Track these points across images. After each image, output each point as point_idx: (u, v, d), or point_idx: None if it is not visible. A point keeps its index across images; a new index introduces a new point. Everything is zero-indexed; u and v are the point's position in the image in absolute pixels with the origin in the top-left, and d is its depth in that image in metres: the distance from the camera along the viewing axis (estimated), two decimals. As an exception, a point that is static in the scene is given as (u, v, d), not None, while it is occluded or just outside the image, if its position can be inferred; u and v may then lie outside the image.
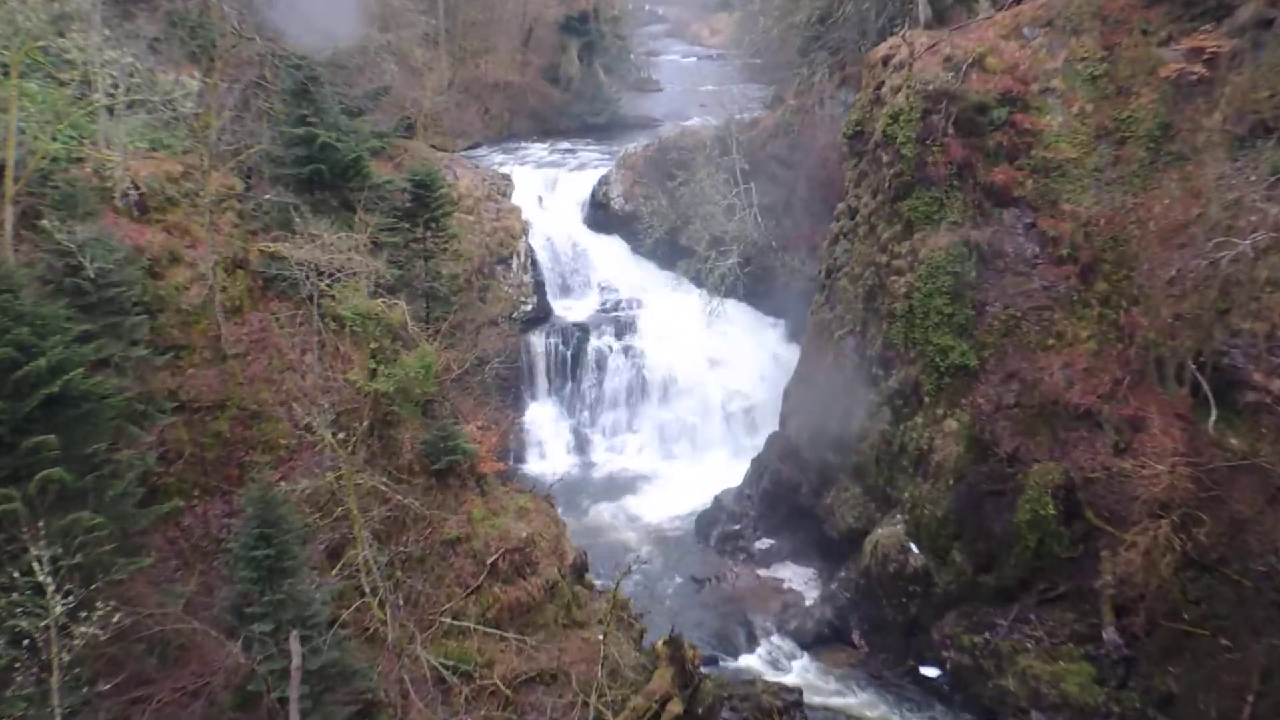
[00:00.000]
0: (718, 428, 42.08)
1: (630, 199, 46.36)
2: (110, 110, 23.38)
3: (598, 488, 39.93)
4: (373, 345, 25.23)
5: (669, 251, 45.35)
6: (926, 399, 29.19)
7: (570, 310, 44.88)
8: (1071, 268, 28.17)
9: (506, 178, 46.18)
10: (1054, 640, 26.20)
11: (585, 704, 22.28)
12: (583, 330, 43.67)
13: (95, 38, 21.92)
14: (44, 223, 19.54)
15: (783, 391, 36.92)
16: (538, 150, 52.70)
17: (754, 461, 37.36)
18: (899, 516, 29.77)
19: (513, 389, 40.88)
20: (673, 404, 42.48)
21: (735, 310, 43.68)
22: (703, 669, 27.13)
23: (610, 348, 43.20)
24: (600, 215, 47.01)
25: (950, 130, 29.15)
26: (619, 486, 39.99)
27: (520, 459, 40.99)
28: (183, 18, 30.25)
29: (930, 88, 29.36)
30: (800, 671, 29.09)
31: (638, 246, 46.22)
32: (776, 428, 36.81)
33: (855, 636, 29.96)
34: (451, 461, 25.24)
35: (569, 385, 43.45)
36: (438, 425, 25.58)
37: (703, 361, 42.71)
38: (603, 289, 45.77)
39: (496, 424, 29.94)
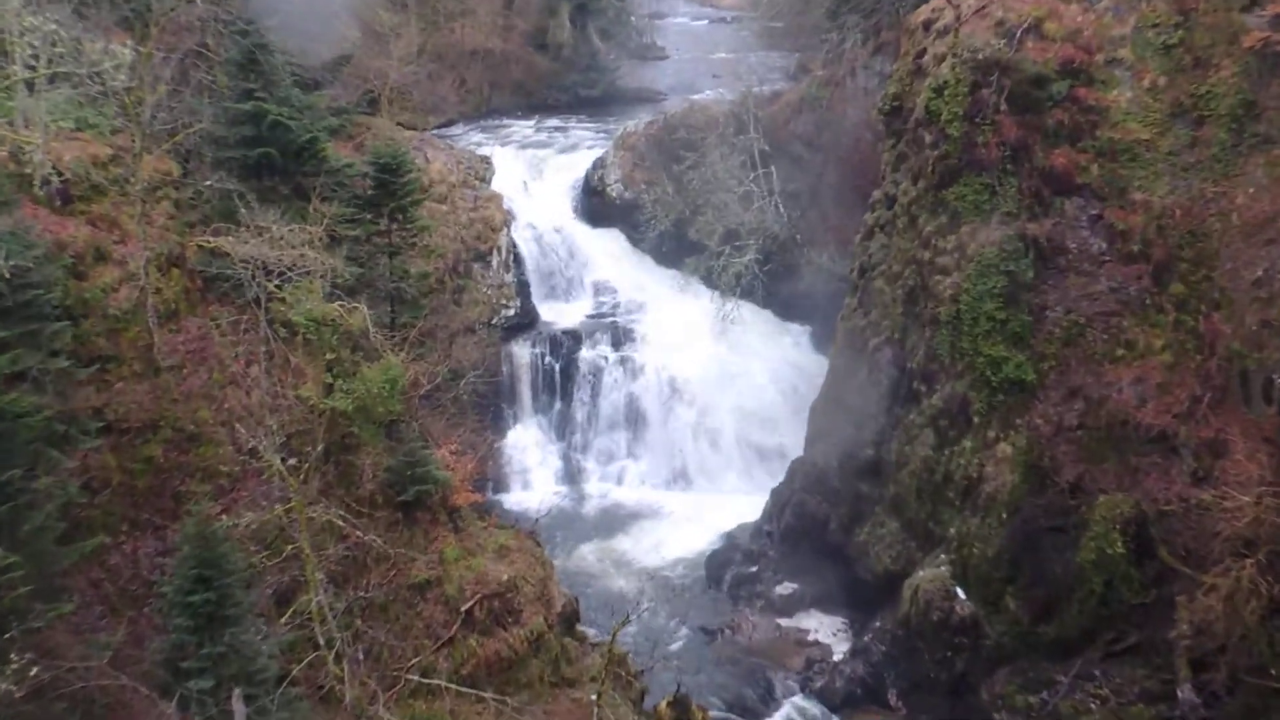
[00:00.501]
0: (732, 453, 41.87)
1: (630, 185, 46.26)
2: (30, 85, 23.40)
3: (591, 523, 39.77)
4: (329, 356, 25.45)
5: (675, 246, 45.42)
6: (976, 419, 29.10)
7: (559, 315, 44.57)
8: (1143, 266, 28.17)
9: (486, 160, 46.02)
10: (1122, 700, 26.02)
11: (576, 774, 23.29)
12: (574, 339, 43.33)
13: (13, 2, 21.95)
14: (-49, 215, 20.14)
15: (808, 411, 36.71)
16: (522, 128, 52.58)
17: (774, 492, 37.09)
18: (943, 557, 29.57)
19: (492, 408, 40.62)
20: (679, 426, 42.23)
21: (752, 316, 43.79)
22: (713, 734, 27.83)
23: (606, 359, 42.85)
24: (595, 204, 46.71)
25: (1003, 106, 29.03)
26: (616, 522, 39.74)
27: (501, 489, 40.84)
28: (114, -23, 31.04)
29: (980, 57, 29.32)
30: (828, 738, 30.32)
31: (638, 240, 46.16)
32: (800, 453, 36.66)
33: (892, 697, 29.80)
34: (420, 492, 25.37)
35: (557, 403, 43.17)
36: (404, 450, 25.71)
37: (715, 375, 42.48)
38: (598, 290, 45.71)
39: (473, 448, 30.15)
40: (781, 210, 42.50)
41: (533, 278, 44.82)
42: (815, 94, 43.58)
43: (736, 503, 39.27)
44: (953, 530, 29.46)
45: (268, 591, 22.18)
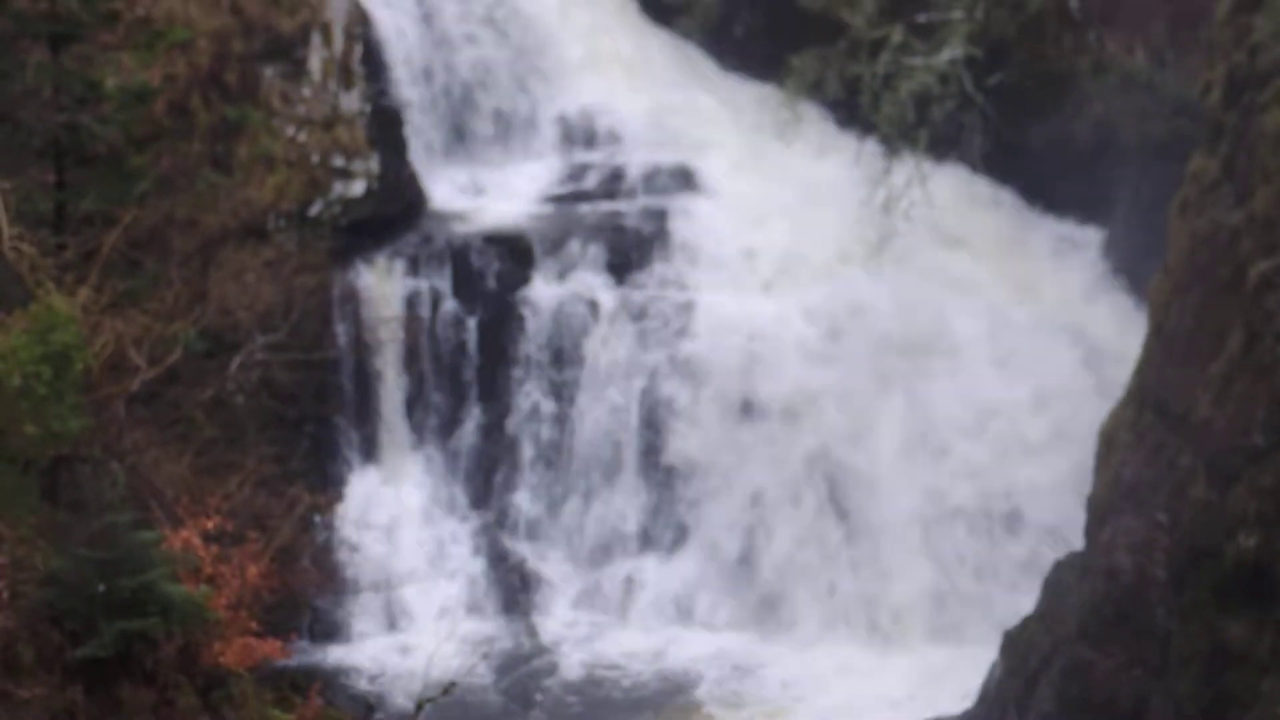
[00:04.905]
0: (902, 542, 41.60)
1: None
2: None
3: (560, 715, 39.67)
4: None
5: (765, 29, 46.54)
6: None
7: (479, 198, 45.31)
8: None
9: None
10: None
11: None
12: (513, 255, 43.43)
13: None
14: None
15: (1096, 440, 36.01)
16: None
17: (1010, 641, 36.47)
18: None
19: (311, 426, 41.51)
20: (776, 478, 42.33)
21: (963, 199, 44.27)
22: None
23: (594, 308, 43.11)
24: None
25: None
26: (622, 712, 39.72)
27: (329, 628, 41.03)
28: None
29: None
30: None
31: (677, 11, 47.55)
32: (1075, 544, 36.59)
33: None
34: (130, 636, 24.45)
35: (471, 416, 43.50)
36: (90, 530, 25.60)
37: (868, 352, 42.41)
38: (575, 134, 46.85)
39: (263, 528, 31.50)
40: (1033, -63, 41.25)
41: (412, 104, 44.99)
42: None
43: (914, 664, 39.50)
44: None
45: None
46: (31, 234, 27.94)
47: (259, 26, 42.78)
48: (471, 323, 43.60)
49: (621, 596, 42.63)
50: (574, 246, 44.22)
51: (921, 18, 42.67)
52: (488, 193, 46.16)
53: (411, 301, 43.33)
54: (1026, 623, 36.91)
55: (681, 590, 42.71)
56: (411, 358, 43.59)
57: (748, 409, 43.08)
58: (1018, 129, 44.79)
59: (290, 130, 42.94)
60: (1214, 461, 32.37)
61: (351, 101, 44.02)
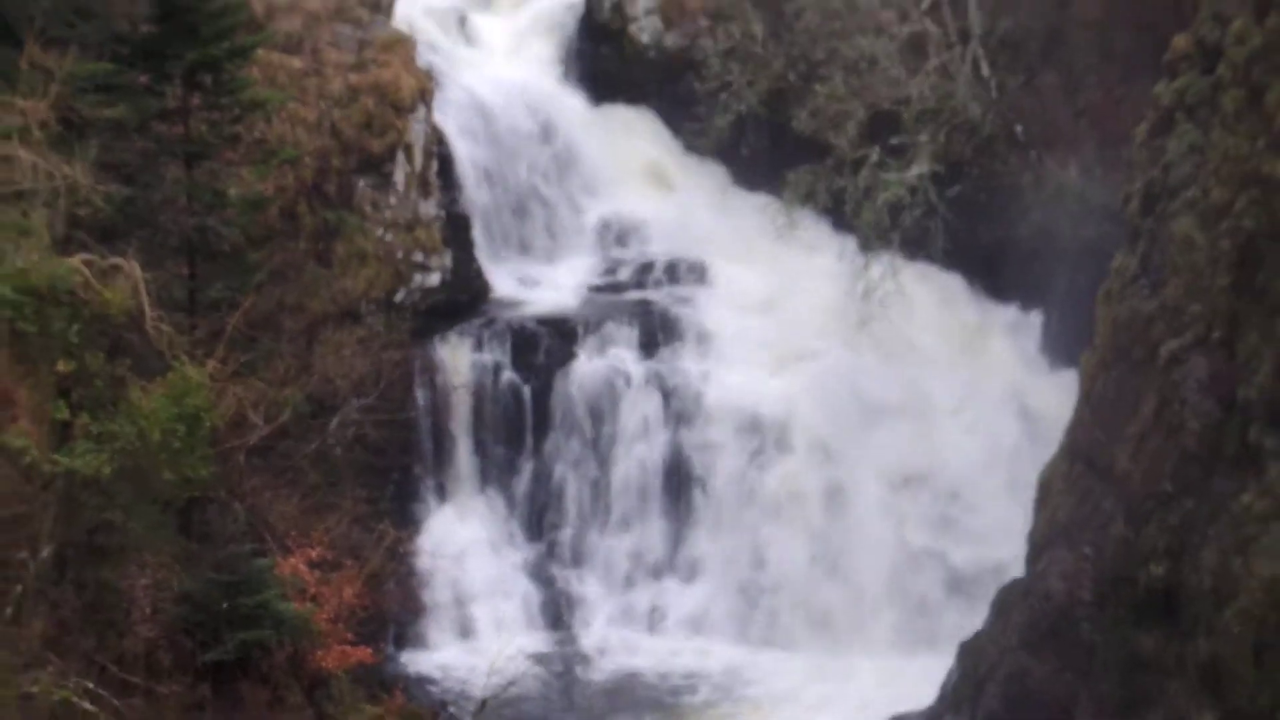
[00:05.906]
0: (877, 572, 42.20)
1: (677, 22, 48.11)
2: None
3: (597, 711, 40.58)
4: (61, 366, 25.73)
5: (767, 148, 47.37)
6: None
7: (533, 288, 46.70)
8: None
9: (382, -31, 45.42)
10: None
11: None
12: (562, 336, 44.53)
13: None
14: None
15: (1036, 488, 36.88)
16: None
17: (964, 651, 37.12)
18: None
19: (396, 473, 42.42)
20: (778, 517, 43.03)
21: (926, 290, 45.03)
22: None
23: (627, 379, 44.03)
24: (607, 60, 49.03)
25: None
26: (647, 709, 40.38)
27: (412, 639, 42.31)
28: None
29: None
30: None
31: (694, 135, 48.17)
32: (1017, 572, 37.12)
33: None
34: (250, 644, 26.92)
35: (526, 466, 44.49)
36: (217, 559, 27.50)
37: (848, 415, 43.16)
38: (611, 236, 48.11)
39: (357, 557, 32.82)
40: (986, 75, 43.24)
41: (478, 210, 45.91)
42: None
43: (883, 670, 40.02)
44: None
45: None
46: (169, 316, 28.68)
47: (354, 147, 44.22)
48: (526, 390, 44.90)
49: (648, 614, 44.02)
50: (611, 328, 45.58)
51: (894, 141, 44.16)
52: (540, 283, 47.89)
53: (478, 373, 44.80)
54: (977, 636, 37.88)
55: (696, 609, 43.92)
56: (477, 418, 44.98)
57: (756, 458, 44.45)
58: (973, 231, 45.94)
59: (379, 232, 44.16)
60: (1131, 505, 33.75)
61: (429, 208, 45.32)
